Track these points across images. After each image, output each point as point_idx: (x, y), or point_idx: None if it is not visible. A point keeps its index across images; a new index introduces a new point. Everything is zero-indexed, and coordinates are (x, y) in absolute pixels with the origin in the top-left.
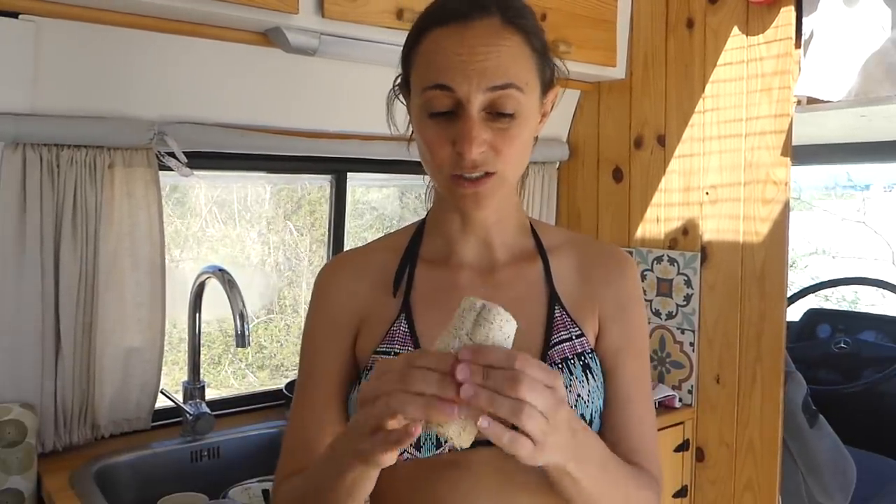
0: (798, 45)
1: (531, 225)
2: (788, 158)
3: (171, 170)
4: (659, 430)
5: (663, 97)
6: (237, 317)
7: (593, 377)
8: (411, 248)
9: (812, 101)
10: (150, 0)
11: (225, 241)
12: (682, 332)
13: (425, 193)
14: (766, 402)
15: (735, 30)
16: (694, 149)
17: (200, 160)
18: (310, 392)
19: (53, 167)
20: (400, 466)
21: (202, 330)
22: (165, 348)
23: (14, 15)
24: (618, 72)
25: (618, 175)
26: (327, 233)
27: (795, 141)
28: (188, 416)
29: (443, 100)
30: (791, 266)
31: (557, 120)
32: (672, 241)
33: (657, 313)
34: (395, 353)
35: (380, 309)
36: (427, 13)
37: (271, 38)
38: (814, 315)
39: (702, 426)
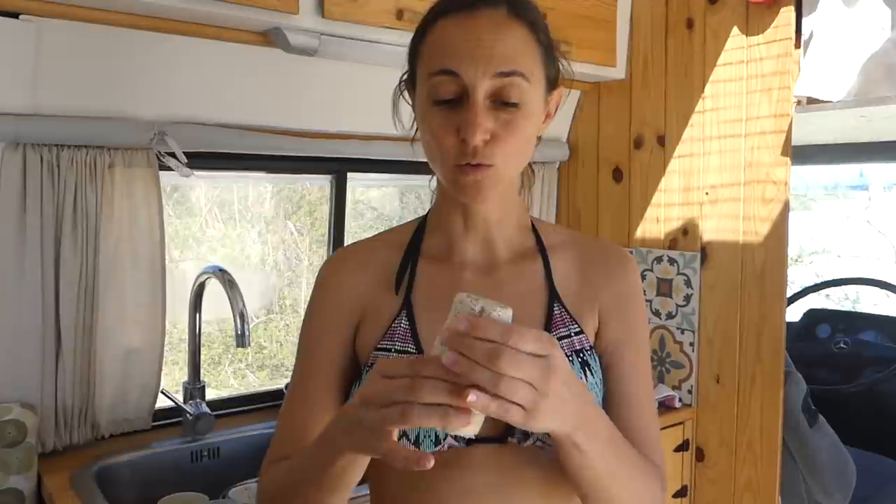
0: (798, 46)
1: (532, 223)
2: (788, 158)
3: (171, 170)
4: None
5: (663, 97)
6: (237, 317)
7: (592, 374)
8: (413, 245)
9: (812, 101)
10: (150, 0)
11: (225, 241)
12: (682, 332)
13: (431, 192)
14: (766, 402)
15: (735, 30)
16: (694, 149)
17: (200, 160)
18: (306, 382)
19: (53, 167)
20: None
21: (202, 330)
22: (165, 348)
23: (14, 15)
24: (618, 72)
25: (618, 175)
26: (327, 233)
27: (795, 141)
28: (188, 416)
29: (448, 86)
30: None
31: (557, 120)
32: (672, 241)
33: (657, 313)
34: (396, 351)
35: (381, 305)
36: (434, 7)
37: (271, 38)
38: (814, 315)
39: (702, 426)
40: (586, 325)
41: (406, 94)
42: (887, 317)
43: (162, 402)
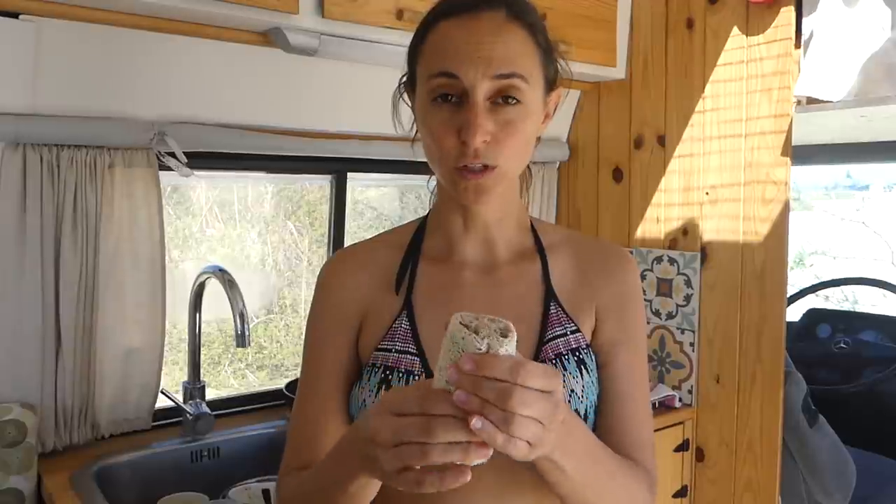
0: (798, 46)
1: (532, 223)
2: (788, 158)
3: (171, 170)
4: (659, 430)
5: (663, 97)
6: (237, 317)
7: (588, 372)
8: (414, 245)
9: (812, 101)
10: (150, 0)
11: (225, 241)
12: (682, 332)
13: (431, 192)
14: (766, 402)
15: (735, 30)
16: (694, 149)
17: (200, 160)
18: (313, 386)
19: (53, 167)
20: None
21: (202, 330)
22: (165, 348)
23: (14, 15)
24: (618, 72)
25: (618, 175)
26: (327, 233)
27: (795, 141)
28: (188, 416)
29: (448, 88)
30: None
31: (557, 120)
32: (672, 241)
33: (657, 313)
34: (397, 351)
35: (382, 305)
36: (433, 9)
37: (271, 38)
38: (814, 315)
39: (702, 426)
40: (583, 324)
41: (406, 96)
42: (887, 317)
43: (162, 402)
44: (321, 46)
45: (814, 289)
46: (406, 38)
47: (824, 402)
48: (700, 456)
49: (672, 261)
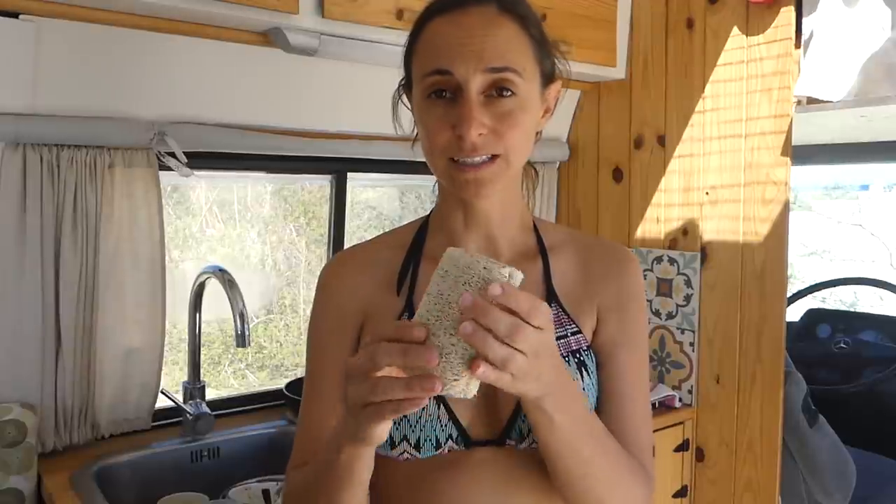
0: (798, 46)
1: (534, 223)
2: (788, 159)
3: (171, 170)
4: (659, 430)
5: (663, 97)
6: (237, 317)
7: (588, 374)
8: (415, 246)
9: (812, 101)
10: (150, 0)
11: (225, 241)
12: (682, 332)
13: (432, 192)
14: (766, 402)
15: (735, 30)
16: (694, 149)
17: (200, 160)
18: (317, 387)
19: (53, 167)
20: (400, 466)
21: (202, 330)
22: (165, 348)
23: (14, 15)
24: (618, 72)
25: (618, 175)
26: (327, 233)
27: (795, 141)
28: (188, 416)
29: (442, 85)
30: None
31: (557, 120)
32: (672, 241)
33: (657, 313)
34: None
35: (383, 306)
36: (426, 9)
37: (271, 38)
38: (814, 315)
39: (702, 426)
40: (584, 325)
41: (405, 98)
42: (887, 317)
43: (162, 402)
44: (321, 46)
45: (814, 289)
46: (406, 38)
47: (824, 402)
48: (700, 456)
49: (672, 261)
